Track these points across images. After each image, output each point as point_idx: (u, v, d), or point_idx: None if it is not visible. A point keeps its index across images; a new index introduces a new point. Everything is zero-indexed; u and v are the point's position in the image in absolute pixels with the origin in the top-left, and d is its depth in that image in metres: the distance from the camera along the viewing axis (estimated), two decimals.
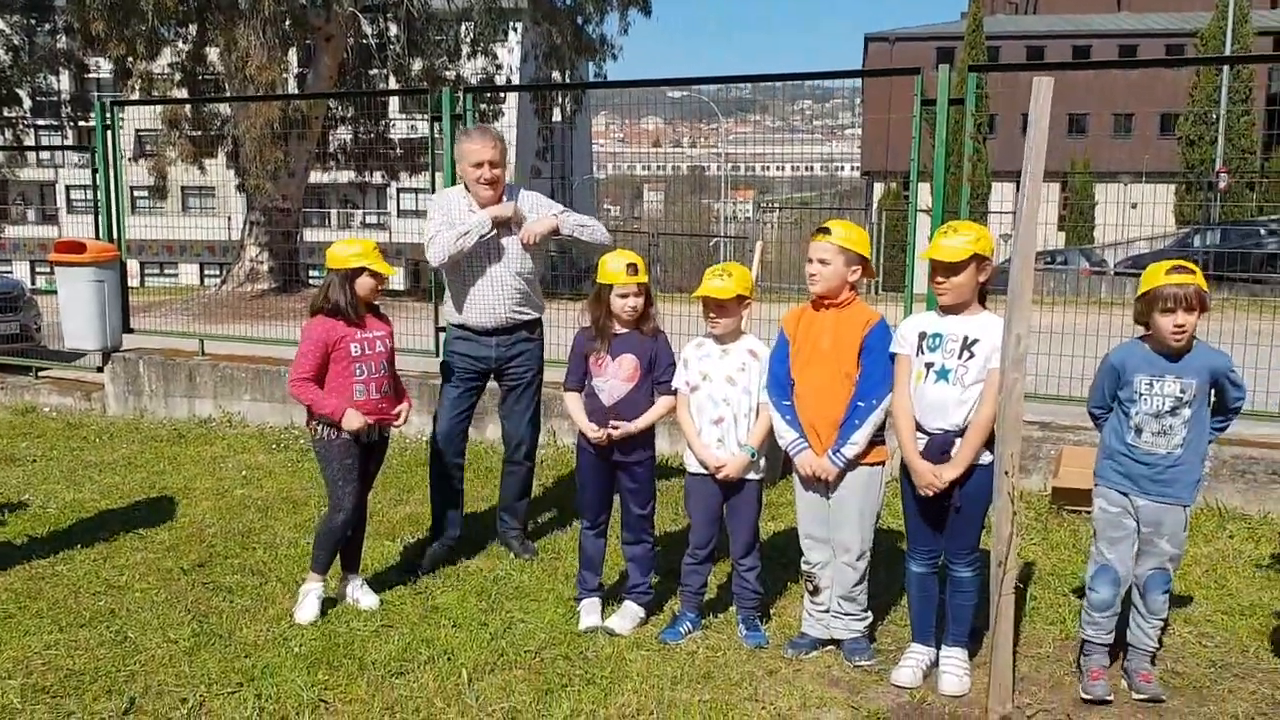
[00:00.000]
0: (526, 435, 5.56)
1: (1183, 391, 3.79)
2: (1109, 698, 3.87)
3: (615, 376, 4.45)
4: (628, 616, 4.55)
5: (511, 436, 5.56)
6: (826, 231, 4.12)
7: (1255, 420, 6.40)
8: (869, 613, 4.32)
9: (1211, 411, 3.91)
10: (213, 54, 18.45)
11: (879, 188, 43.25)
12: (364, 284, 4.58)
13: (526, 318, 5.42)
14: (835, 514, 4.17)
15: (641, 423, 4.48)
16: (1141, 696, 3.87)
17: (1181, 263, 3.81)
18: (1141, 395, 3.85)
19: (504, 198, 5.27)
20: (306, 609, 4.62)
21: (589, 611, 4.59)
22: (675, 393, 4.47)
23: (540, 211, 5.36)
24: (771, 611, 4.69)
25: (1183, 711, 3.82)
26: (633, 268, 4.39)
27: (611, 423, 4.44)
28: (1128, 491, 3.91)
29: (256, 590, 4.97)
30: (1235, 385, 3.86)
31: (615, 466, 4.54)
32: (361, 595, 4.77)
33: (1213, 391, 3.87)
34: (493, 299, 5.28)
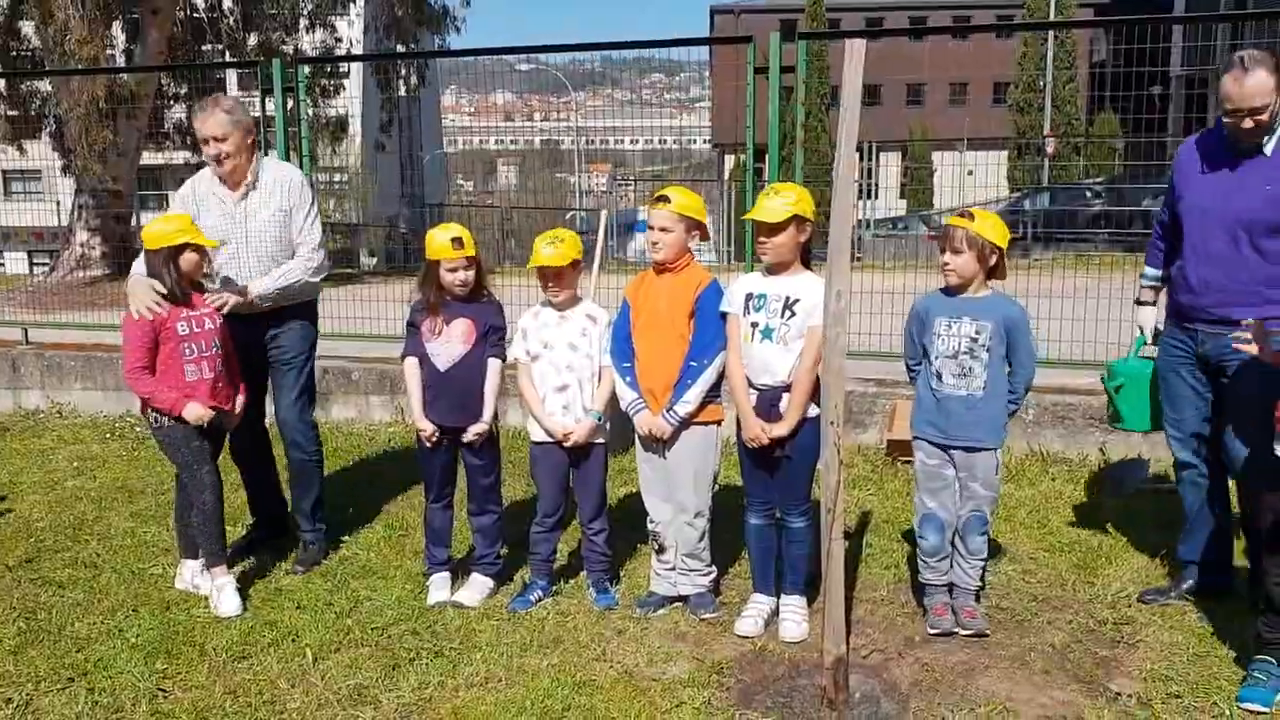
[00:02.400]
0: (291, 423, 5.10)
1: (978, 333, 4.00)
2: (955, 630, 4.09)
3: (450, 340, 4.44)
4: (476, 588, 4.55)
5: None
6: (666, 200, 4.18)
7: (1075, 370, 6.79)
8: (713, 567, 4.43)
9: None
10: (27, 27, 17.45)
11: (729, 159, 43.80)
12: (189, 260, 4.41)
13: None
14: (673, 475, 4.26)
15: (489, 414, 4.49)
16: (967, 631, 4.09)
17: (968, 209, 4.06)
18: (940, 336, 4.06)
19: (250, 172, 4.87)
20: (227, 602, 4.42)
21: (438, 586, 4.58)
22: (504, 359, 4.50)
23: (285, 193, 4.90)
24: (621, 573, 4.76)
25: (1005, 643, 4.05)
26: (458, 241, 4.36)
27: (474, 430, 4.46)
28: (940, 442, 4.11)
29: (89, 583, 4.78)
30: (1025, 347, 4.05)
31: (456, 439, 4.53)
32: (202, 582, 4.64)
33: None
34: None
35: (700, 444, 4.22)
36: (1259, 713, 3.47)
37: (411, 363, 4.52)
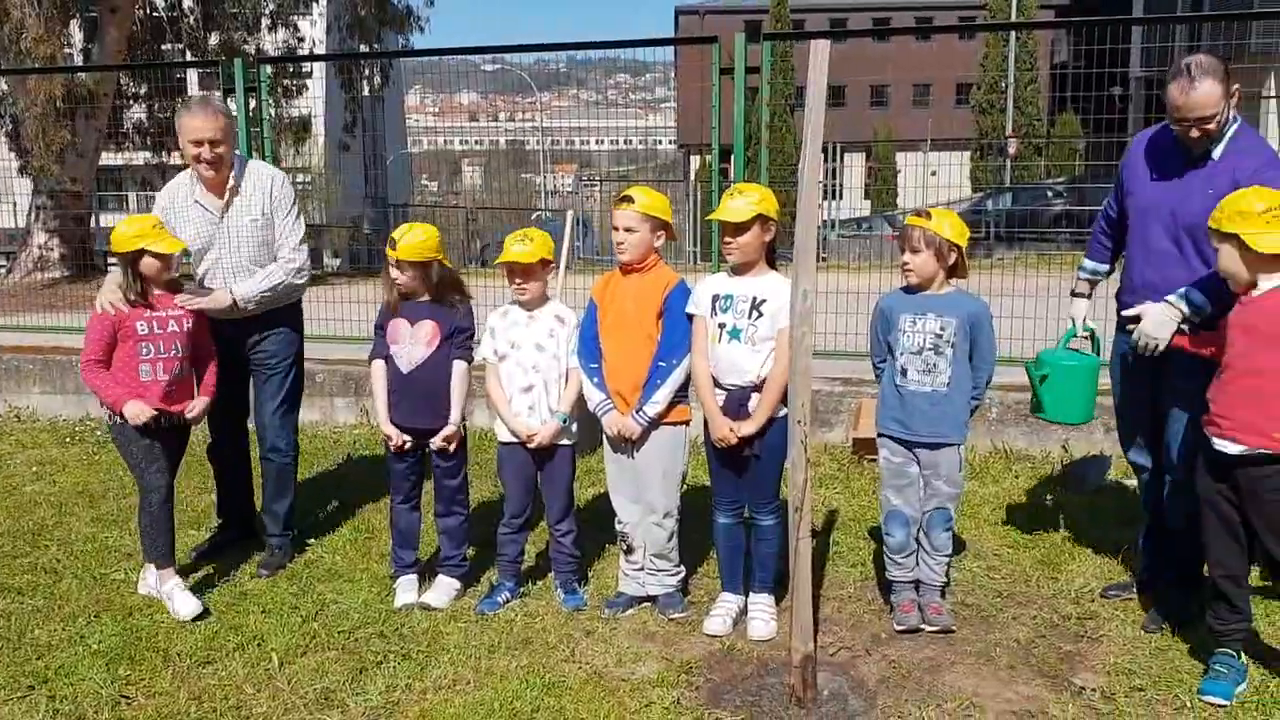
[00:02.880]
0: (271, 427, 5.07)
1: (942, 329, 4.03)
2: (921, 626, 4.12)
3: (412, 341, 4.42)
4: (443, 590, 4.53)
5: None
6: (630, 200, 4.17)
7: None
8: (681, 567, 4.44)
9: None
10: None
11: (695, 160, 43.87)
12: (148, 265, 4.36)
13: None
14: (642, 475, 4.26)
15: (456, 416, 4.45)
16: (934, 628, 4.12)
17: (928, 209, 4.09)
18: (905, 333, 4.08)
19: (231, 175, 4.79)
20: (182, 604, 4.36)
21: (404, 588, 4.55)
22: (470, 361, 4.48)
23: (266, 196, 4.83)
24: (590, 574, 4.75)
25: (971, 639, 4.08)
26: (391, 242, 4.33)
27: (442, 435, 4.43)
28: (905, 438, 4.13)
29: (49, 589, 4.70)
30: (988, 343, 4.09)
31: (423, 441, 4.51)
32: (179, 603, 4.56)
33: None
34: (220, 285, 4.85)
35: (669, 444, 4.23)
36: (1220, 705, 3.52)
37: (378, 365, 4.50)
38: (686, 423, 4.28)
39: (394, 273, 4.38)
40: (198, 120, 4.62)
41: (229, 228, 4.81)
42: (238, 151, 4.89)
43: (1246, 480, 3.51)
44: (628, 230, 4.17)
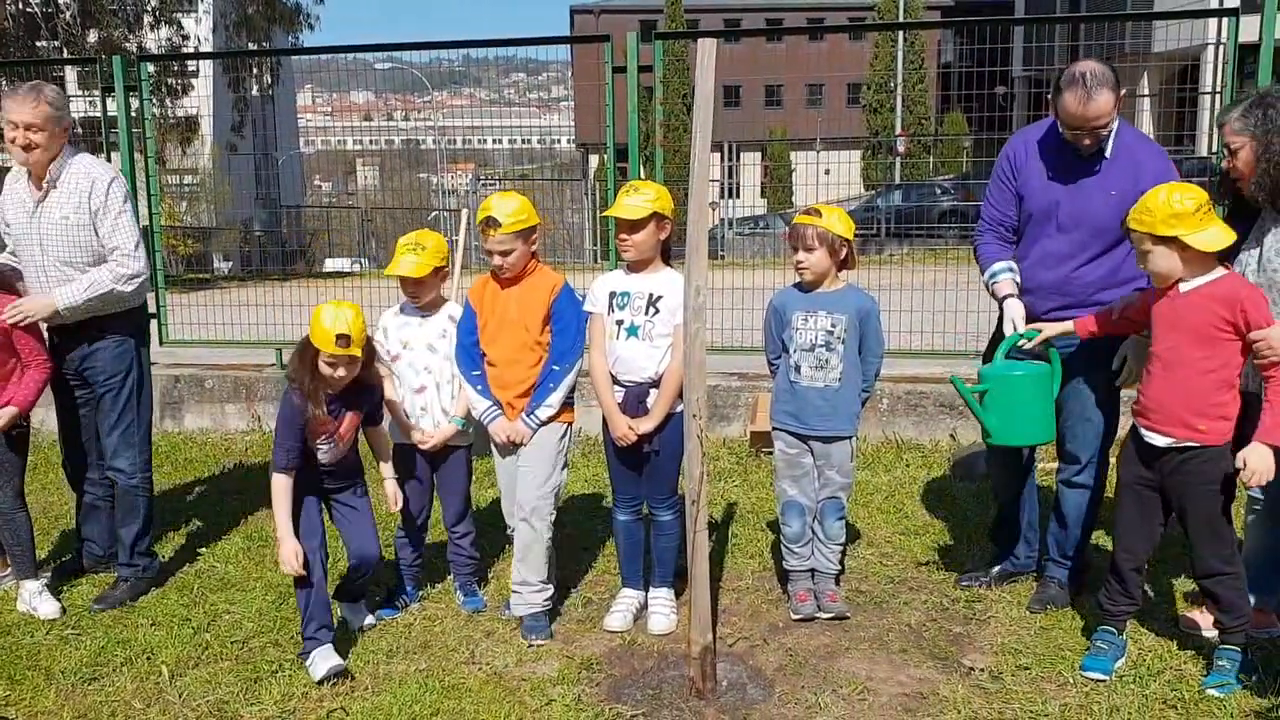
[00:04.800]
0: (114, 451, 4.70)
1: (833, 325, 4.10)
2: (817, 614, 4.19)
3: (338, 439, 4.01)
4: (359, 611, 4.30)
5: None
6: (495, 224, 3.99)
7: (927, 359, 7.05)
8: (549, 585, 4.22)
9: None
10: None
11: (594, 159, 43.89)
12: None
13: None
14: (521, 475, 4.14)
15: (389, 471, 4.28)
16: (828, 615, 4.20)
17: (816, 207, 4.14)
18: (798, 329, 4.15)
19: (53, 165, 4.46)
20: None
21: (323, 655, 3.88)
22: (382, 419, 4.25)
23: (84, 196, 4.47)
24: (490, 575, 4.73)
25: (865, 625, 4.17)
26: (344, 340, 3.72)
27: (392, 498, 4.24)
28: (798, 431, 4.20)
29: None
30: (875, 337, 4.17)
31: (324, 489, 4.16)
32: (39, 603, 4.43)
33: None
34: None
35: (548, 444, 4.12)
36: (1100, 680, 3.66)
37: (282, 482, 3.88)
38: (569, 424, 4.24)
39: (342, 371, 3.84)
40: (16, 103, 4.40)
41: (41, 222, 4.52)
42: (70, 146, 4.56)
43: (1175, 470, 3.58)
44: (503, 254, 4.05)
